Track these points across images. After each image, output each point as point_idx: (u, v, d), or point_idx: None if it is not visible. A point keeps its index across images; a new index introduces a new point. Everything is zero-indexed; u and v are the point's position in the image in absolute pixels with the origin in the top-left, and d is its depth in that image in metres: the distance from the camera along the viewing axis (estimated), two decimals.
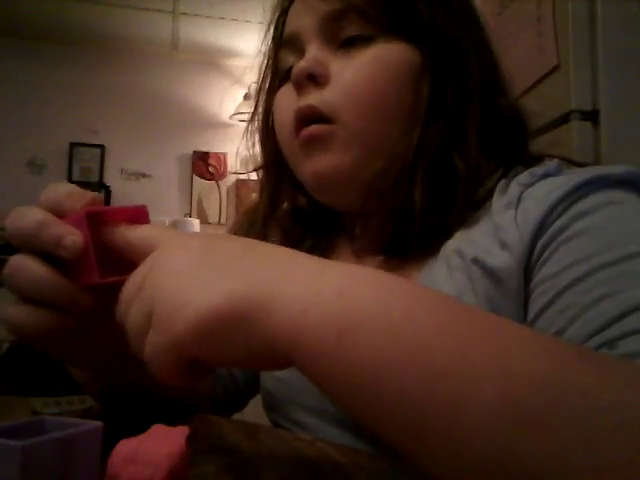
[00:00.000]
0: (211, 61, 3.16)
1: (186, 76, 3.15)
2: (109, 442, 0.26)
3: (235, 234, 0.59)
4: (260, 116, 0.60)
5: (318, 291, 0.27)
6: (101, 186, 2.93)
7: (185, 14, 2.77)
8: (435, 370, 0.23)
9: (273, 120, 0.56)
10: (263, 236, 0.57)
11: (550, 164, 0.46)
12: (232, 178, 3.09)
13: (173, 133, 3.10)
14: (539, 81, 1.36)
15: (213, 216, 3.14)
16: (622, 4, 1.30)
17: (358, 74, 0.49)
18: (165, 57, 3.14)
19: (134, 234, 0.36)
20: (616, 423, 0.21)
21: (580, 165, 0.49)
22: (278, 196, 0.59)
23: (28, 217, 0.38)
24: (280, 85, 0.56)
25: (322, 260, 0.30)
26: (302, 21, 0.52)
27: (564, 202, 0.41)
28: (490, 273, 0.42)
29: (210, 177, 3.10)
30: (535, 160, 0.49)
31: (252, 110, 0.61)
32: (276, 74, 0.58)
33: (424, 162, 0.48)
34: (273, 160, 0.58)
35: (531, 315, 0.40)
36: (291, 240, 0.58)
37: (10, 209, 0.41)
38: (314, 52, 0.51)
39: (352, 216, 0.55)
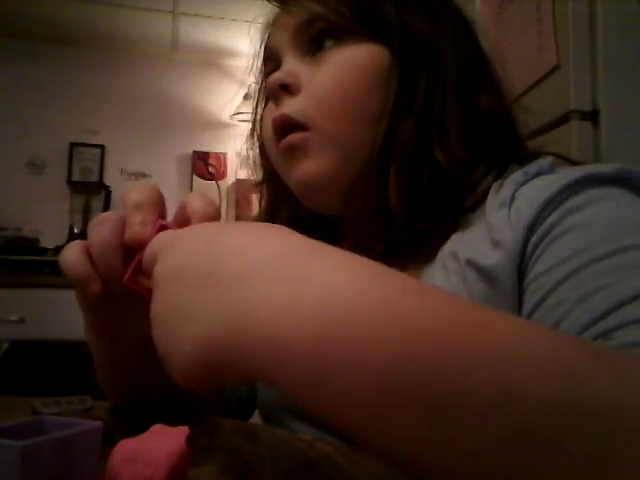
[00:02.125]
0: (211, 61, 3.16)
1: (186, 76, 3.15)
2: (109, 442, 0.26)
3: None
4: (257, 131, 0.61)
5: (289, 331, 0.23)
6: (101, 186, 2.93)
7: (185, 14, 2.77)
8: (432, 409, 0.21)
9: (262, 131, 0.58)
10: None
11: (543, 162, 0.46)
12: (232, 178, 3.08)
13: (173, 133, 3.10)
14: (539, 81, 1.36)
15: None
16: (622, 4, 1.30)
17: (325, 79, 0.50)
18: (165, 57, 3.14)
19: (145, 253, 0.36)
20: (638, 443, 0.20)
21: (575, 163, 0.49)
22: (277, 206, 0.60)
23: (141, 192, 0.41)
24: (268, 101, 0.57)
25: (302, 271, 0.25)
26: (277, 37, 0.55)
27: (556, 200, 0.41)
28: (483, 273, 0.42)
29: (210, 177, 3.10)
30: (530, 158, 0.49)
31: (250, 126, 0.63)
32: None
33: (397, 159, 0.48)
34: (270, 171, 0.59)
35: (525, 312, 0.40)
36: None
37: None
38: (288, 64, 0.52)
39: (346, 221, 0.55)
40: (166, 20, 2.82)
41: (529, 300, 0.39)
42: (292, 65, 0.52)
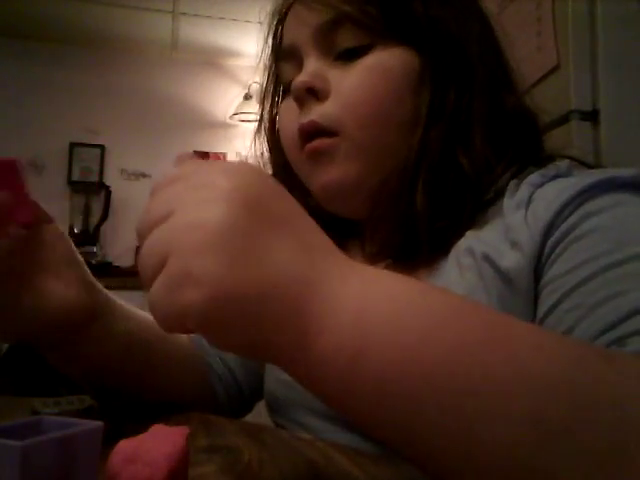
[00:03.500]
0: (211, 61, 3.16)
1: (186, 76, 3.15)
2: (109, 442, 0.26)
3: None
4: (266, 124, 0.59)
5: (335, 309, 0.25)
6: (101, 186, 2.93)
7: (185, 14, 2.77)
8: (455, 389, 0.23)
9: (279, 130, 0.56)
10: None
11: (561, 165, 0.46)
12: None
13: (173, 133, 3.10)
14: (539, 81, 1.36)
15: None
16: (622, 4, 1.30)
17: (357, 85, 0.49)
18: (165, 57, 3.14)
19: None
20: None
21: (591, 167, 0.49)
22: None
23: None
24: (283, 97, 0.56)
25: (345, 264, 0.27)
26: (297, 33, 0.52)
27: (574, 202, 0.41)
28: (501, 273, 0.42)
29: None
30: (547, 160, 0.49)
31: (258, 118, 0.61)
32: (278, 83, 0.58)
33: (426, 165, 0.48)
34: (282, 167, 0.58)
35: (540, 313, 0.40)
36: None
37: None
38: (312, 65, 0.50)
39: (362, 222, 0.55)
40: (166, 20, 2.82)
41: (544, 302, 0.40)
42: (318, 67, 0.50)
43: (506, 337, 0.24)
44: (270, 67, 0.59)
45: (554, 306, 0.38)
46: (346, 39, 0.50)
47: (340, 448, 0.39)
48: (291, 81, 0.52)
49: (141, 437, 0.26)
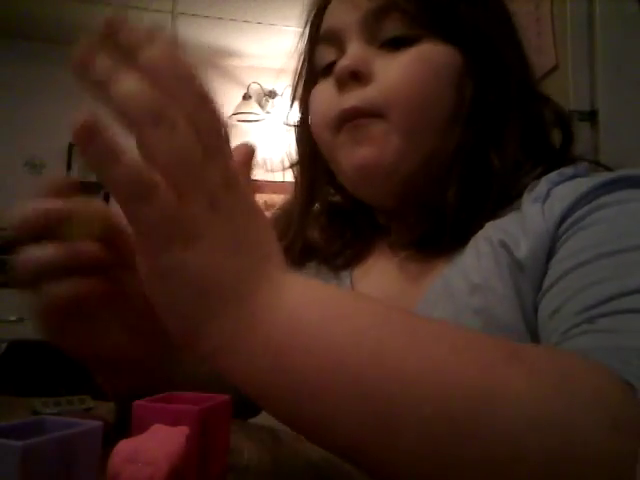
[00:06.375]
0: (209, 61, 3.16)
1: None
2: (109, 442, 0.26)
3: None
4: (301, 113, 0.60)
5: (273, 306, 0.28)
6: (100, 186, 2.92)
7: (183, 14, 2.77)
8: (370, 389, 0.25)
9: (311, 114, 0.56)
10: (302, 234, 0.58)
11: (580, 166, 0.48)
12: None
13: None
14: (538, 82, 1.36)
15: None
16: (620, 5, 1.30)
17: (402, 73, 0.50)
18: None
19: None
20: (544, 433, 0.24)
21: (609, 170, 0.50)
22: (313, 192, 0.59)
23: None
24: (317, 80, 0.55)
25: (287, 272, 0.30)
26: (343, 17, 0.52)
27: (588, 197, 0.43)
28: (516, 261, 0.44)
29: None
30: (568, 163, 0.50)
31: (290, 108, 0.62)
32: (312, 71, 0.57)
33: (461, 162, 0.50)
34: (308, 156, 0.58)
35: (540, 296, 0.42)
36: (329, 236, 0.59)
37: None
38: (357, 50, 0.51)
39: (387, 212, 0.56)
40: (165, 20, 2.82)
41: (544, 284, 0.42)
42: (363, 53, 0.51)
43: (424, 334, 0.28)
44: (305, 55, 0.58)
45: (547, 290, 0.41)
46: (393, 28, 0.50)
47: None
48: (328, 64, 0.53)
49: (141, 437, 0.26)
